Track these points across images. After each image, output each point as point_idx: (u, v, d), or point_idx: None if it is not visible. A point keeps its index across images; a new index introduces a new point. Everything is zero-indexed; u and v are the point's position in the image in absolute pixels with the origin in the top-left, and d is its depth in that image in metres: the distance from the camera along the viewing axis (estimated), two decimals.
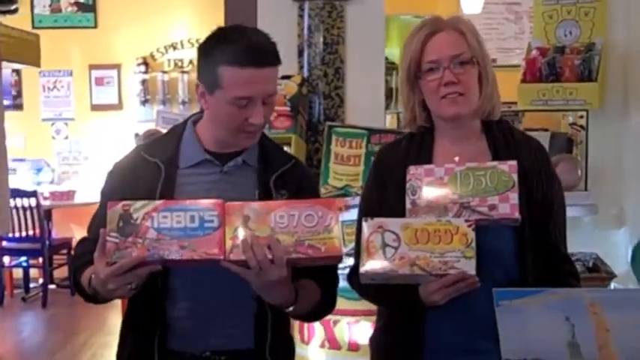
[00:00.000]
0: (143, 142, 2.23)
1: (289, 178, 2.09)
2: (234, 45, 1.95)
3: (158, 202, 1.89)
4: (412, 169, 2.00)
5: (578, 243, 3.66)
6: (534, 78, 3.86)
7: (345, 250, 2.23)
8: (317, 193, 2.24)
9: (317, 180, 2.43)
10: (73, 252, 2.17)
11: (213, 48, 1.99)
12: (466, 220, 1.89)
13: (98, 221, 2.05)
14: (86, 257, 1.99)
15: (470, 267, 1.85)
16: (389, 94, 5.47)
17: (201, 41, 2.05)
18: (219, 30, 2.04)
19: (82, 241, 2.13)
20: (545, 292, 1.74)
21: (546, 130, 5.20)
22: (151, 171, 2.05)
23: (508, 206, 1.91)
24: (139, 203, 1.88)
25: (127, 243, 1.84)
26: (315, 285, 2.04)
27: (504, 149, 2.08)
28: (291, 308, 1.99)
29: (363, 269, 1.90)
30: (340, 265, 2.17)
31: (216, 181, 2.05)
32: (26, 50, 2.58)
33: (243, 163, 2.08)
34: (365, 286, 2.04)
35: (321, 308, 2.12)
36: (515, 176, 1.93)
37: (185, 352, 2.03)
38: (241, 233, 1.85)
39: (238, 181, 2.06)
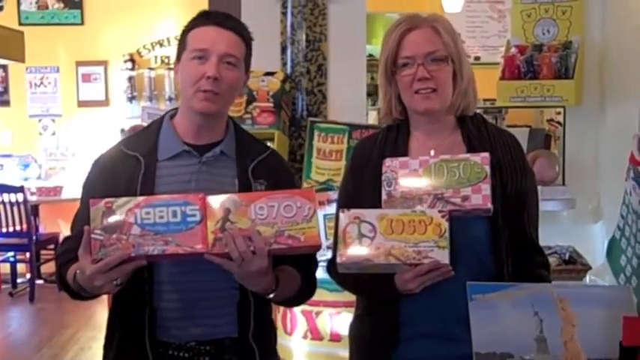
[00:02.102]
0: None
1: (267, 167, 2.15)
2: (202, 13, 2.15)
3: (140, 199, 1.93)
4: (388, 162, 2.05)
5: (555, 236, 3.74)
6: (513, 75, 3.94)
7: (327, 243, 2.29)
8: (294, 182, 2.29)
9: (292, 170, 2.49)
10: (57, 250, 2.19)
11: (186, 26, 2.15)
12: (440, 211, 1.94)
13: (80, 218, 2.09)
14: (70, 255, 2.03)
15: (443, 256, 1.90)
16: (375, 90, 5.52)
17: None
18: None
19: (66, 239, 2.16)
20: (516, 287, 1.81)
21: (529, 126, 5.27)
22: (131, 164, 2.10)
23: (480, 197, 1.96)
24: (122, 200, 1.91)
25: (112, 240, 1.87)
26: (294, 271, 2.10)
27: (478, 142, 2.13)
28: (271, 295, 2.04)
29: (339, 259, 1.95)
30: (322, 258, 2.23)
31: (195, 172, 2.10)
32: (11, 46, 2.61)
33: (221, 154, 2.13)
34: (343, 276, 2.09)
35: (302, 293, 2.17)
36: (487, 168, 1.98)
37: (171, 342, 2.07)
38: (223, 226, 1.90)
39: (217, 172, 2.11)
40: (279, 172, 2.19)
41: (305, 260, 2.11)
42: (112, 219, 1.89)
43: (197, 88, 2.06)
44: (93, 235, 1.88)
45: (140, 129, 2.32)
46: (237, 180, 2.11)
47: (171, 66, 8.48)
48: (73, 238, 2.09)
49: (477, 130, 2.16)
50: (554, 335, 1.74)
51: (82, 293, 2.01)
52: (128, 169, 2.09)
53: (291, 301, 2.22)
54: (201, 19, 2.12)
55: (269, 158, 2.18)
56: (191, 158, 2.12)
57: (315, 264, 2.20)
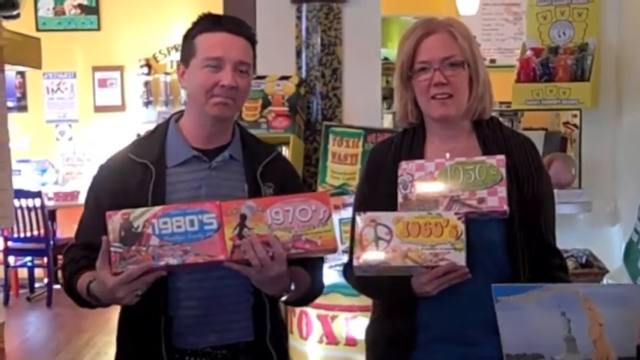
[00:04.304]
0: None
1: (274, 170, 2.15)
2: (210, 17, 2.12)
3: (157, 209, 1.92)
4: (404, 164, 2.06)
5: (572, 240, 3.72)
6: (528, 78, 3.92)
7: (342, 247, 2.29)
8: (300, 183, 2.31)
9: (297, 171, 2.50)
10: (64, 259, 2.16)
11: (192, 29, 2.13)
12: (456, 213, 1.94)
13: (86, 225, 2.10)
14: (79, 264, 2.04)
15: (460, 258, 1.90)
16: (390, 94, 5.51)
17: None
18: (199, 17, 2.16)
19: (71, 247, 2.14)
20: (541, 287, 1.78)
21: (545, 129, 5.26)
22: (141, 171, 2.09)
23: (496, 199, 1.96)
24: (138, 211, 1.91)
25: (131, 252, 1.87)
26: (304, 270, 2.10)
27: (494, 146, 2.12)
28: (285, 297, 2.06)
29: (356, 262, 1.95)
30: (338, 262, 2.23)
31: (205, 178, 2.09)
32: (28, 53, 2.62)
33: (230, 158, 2.13)
34: (360, 280, 2.09)
35: (312, 292, 2.18)
36: (503, 170, 1.98)
37: (186, 348, 2.07)
38: (240, 233, 1.90)
39: (227, 177, 2.11)
40: (286, 174, 2.20)
41: (312, 259, 2.10)
42: (130, 231, 1.89)
43: (210, 94, 2.05)
44: (112, 248, 1.88)
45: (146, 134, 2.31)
46: (247, 184, 2.11)
47: None
48: (78, 247, 2.10)
49: (493, 134, 2.16)
50: (582, 335, 1.73)
51: (93, 302, 2.01)
52: (137, 177, 2.08)
53: (301, 301, 2.23)
54: (211, 24, 2.10)
55: (276, 161, 2.19)
56: (200, 164, 2.11)
57: (321, 263, 2.21)
